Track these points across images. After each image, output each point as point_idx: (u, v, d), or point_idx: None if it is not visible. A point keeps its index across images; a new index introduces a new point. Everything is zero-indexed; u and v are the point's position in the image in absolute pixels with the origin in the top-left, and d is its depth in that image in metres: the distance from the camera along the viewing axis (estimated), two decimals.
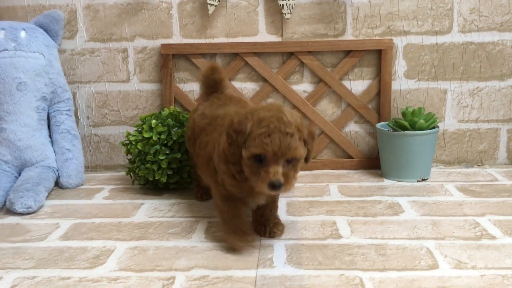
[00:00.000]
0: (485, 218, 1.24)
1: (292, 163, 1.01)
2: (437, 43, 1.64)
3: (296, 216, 1.29)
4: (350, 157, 1.70)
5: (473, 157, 1.70)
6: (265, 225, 1.17)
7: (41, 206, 1.39)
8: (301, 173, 1.65)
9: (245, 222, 1.14)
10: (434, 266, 1.01)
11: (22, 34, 1.54)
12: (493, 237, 1.14)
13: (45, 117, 1.57)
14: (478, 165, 1.70)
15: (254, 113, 1.03)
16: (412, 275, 0.98)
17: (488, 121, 1.68)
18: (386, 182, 1.56)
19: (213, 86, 1.36)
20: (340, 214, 1.30)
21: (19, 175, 1.50)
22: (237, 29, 1.66)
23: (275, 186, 0.99)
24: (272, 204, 1.18)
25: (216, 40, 1.66)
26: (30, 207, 1.34)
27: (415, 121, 1.52)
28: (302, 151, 1.02)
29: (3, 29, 1.53)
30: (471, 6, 1.61)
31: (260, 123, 1.00)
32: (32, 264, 1.06)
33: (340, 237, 1.16)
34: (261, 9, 1.64)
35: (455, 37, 1.63)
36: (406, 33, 1.64)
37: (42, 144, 1.53)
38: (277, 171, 0.99)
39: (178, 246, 1.13)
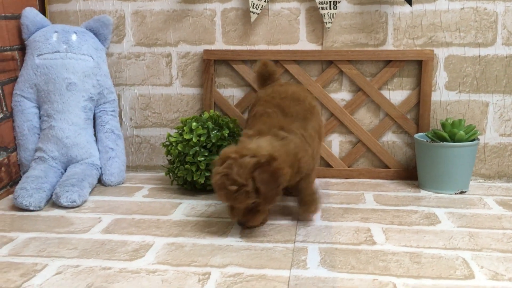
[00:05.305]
0: None
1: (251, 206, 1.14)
2: (479, 55, 1.62)
3: (330, 222, 1.30)
4: (387, 167, 1.70)
5: None
6: (300, 202, 1.30)
7: (85, 201, 1.45)
8: (336, 180, 1.68)
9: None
10: (470, 276, 1.00)
11: (74, 37, 1.62)
12: None
13: (91, 117, 1.64)
14: None
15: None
16: (447, 283, 0.97)
17: None
18: (423, 193, 1.55)
19: (267, 79, 1.49)
20: (375, 222, 1.30)
21: (65, 171, 1.57)
22: (278, 36, 1.69)
23: (241, 224, 1.21)
24: (306, 178, 1.28)
25: (257, 47, 1.70)
26: (74, 201, 1.40)
27: (455, 133, 1.51)
28: (250, 201, 1.11)
29: (56, 32, 1.61)
30: None
31: (214, 177, 1.13)
32: (75, 254, 1.11)
33: (374, 243, 1.16)
34: (302, 18, 1.67)
35: (499, 49, 1.61)
36: (448, 44, 1.63)
37: (87, 142, 1.60)
38: (233, 214, 1.17)
39: (214, 244, 1.16)
